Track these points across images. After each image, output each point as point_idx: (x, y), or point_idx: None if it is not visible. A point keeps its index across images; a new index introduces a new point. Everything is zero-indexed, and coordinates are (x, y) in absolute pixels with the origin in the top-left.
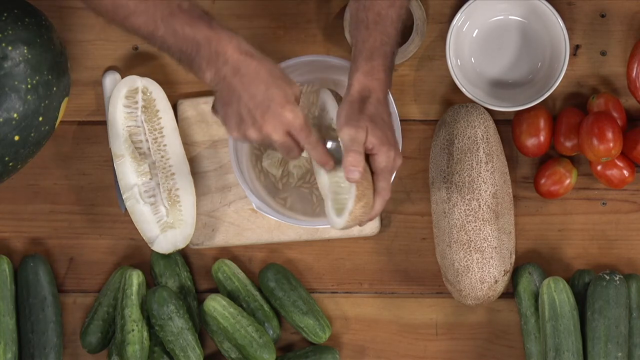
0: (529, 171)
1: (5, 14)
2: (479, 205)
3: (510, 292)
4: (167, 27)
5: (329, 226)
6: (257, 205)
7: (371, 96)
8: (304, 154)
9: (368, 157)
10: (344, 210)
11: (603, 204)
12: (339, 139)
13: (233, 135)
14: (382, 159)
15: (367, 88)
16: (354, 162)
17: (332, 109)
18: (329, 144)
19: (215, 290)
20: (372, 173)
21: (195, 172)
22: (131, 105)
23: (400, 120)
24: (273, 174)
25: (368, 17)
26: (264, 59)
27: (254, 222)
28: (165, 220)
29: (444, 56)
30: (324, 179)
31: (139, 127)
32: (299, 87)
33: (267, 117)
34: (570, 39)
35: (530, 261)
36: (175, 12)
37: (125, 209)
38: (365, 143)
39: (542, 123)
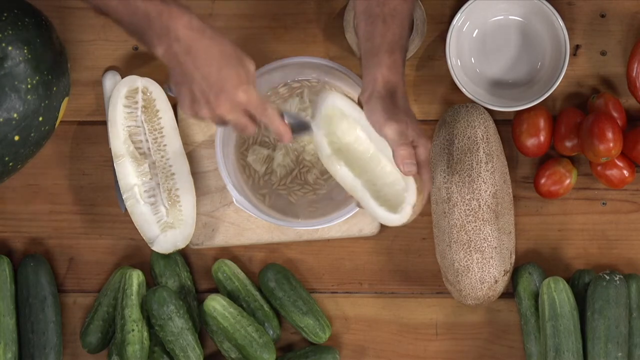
0: (529, 171)
1: (5, 14)
2: (479, 205)
3: (510, 292)
4: None
5: (312, 228)
6: (237, 200)
7: (397, 90)
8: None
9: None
10: (398, 205)
11: (603, 204)
12: (382, 136)
13: (186, 112)
14: (422, 151)
15: (391, 82)
16: (408, 155)
17: (351, 110)
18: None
19: (215, 290)
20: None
21: (195, 172)
22: (131, 105)
23: None
24: (256, 170)
25: (384, 12)
26: (216, 37)
27: (254, 222)
28: (165, 220)
29: (444, 56)
30: (353, 181)
31: (139, 127)
32: (252, 63)
33: (221, 99)
34: (570, 39)
35: (530, 261)
36: None
37: (125, 209)
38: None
39: (542, 123)
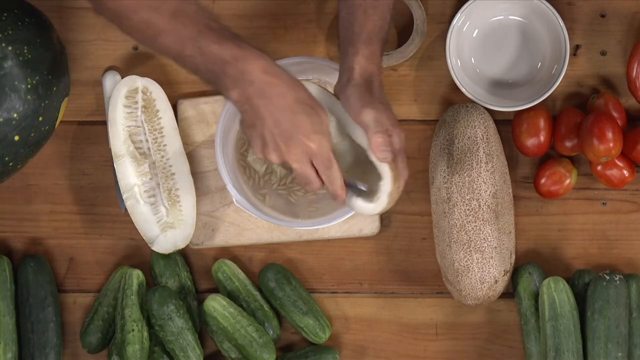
0: (529, 171)
1: (5, 14)
2: (479, 205)
3: (510, 292)
4: (194, 46)
5: (312, 228)
6: (237, 200)
7: (374, 80)
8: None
9: None
10: (376, 196)
11: (603, 204)
12: (358, 123)
13: (257, 156)
14: (397, 140)
15: (368, 72)
16: (384, 142)
17: (324, 98)
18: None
19: (215, 290)
20: None
21: (195, 172)
22: (131, 105)
23: (400, 120)
24: (256, 170)
25: (366, 2)
26: (292, 81)
27: (254, 222)
28: (165, 220)
29: (444, 56)
30: None
31: (139, 127)
32: (327, 114)
33: (291, 146)
34: (570, 39)
35: (530, 261)
36: (204, 31)
37: (125, 209)
38: None
39: (542, 123)
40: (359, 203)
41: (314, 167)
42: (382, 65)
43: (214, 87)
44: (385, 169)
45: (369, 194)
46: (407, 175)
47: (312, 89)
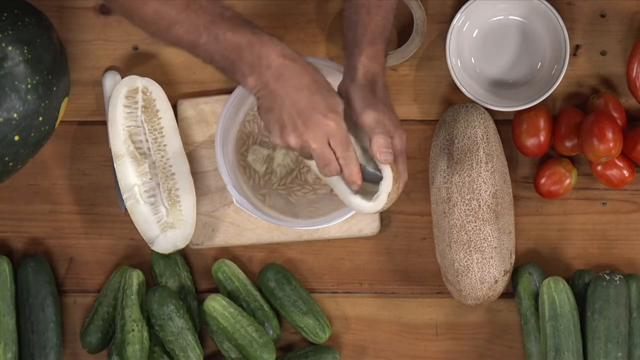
0: (529, 171)
1: (5, 14)
2: (479, 205)
3: (510, 292)
4: (209, 34)
5: (312, 228)
6: (237, 200)
7: (377, 81)
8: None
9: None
10: (375, 195)
11: (603, 204)
12: (360, 124)
13: (275, 141)
14: (398, 141)
15: (372, 72)
16: (385, 143)
17: None
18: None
19: (215, 290)
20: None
21: (195, 172)
22: (131, 105)
23: (400, 120)
24: (256, 170)
25: (369, 2)
26: (308, 65)
27: (254, 222)
28: (165, 220)
29: (444, 56)
30: None
31: (139, 127)
32: (340, 99)
33: (309, 124)
34: (570, 39)
35: (530, 261)
36: (217, 19)
37: (125, 209)
38: None
39: (542, 123)
40: (358, 201)
41: (331, 149)
42: (385, 65)
43: (229, 75)
44: (386, 170)
45: (367, 194)
46: (407, 177)
47: None
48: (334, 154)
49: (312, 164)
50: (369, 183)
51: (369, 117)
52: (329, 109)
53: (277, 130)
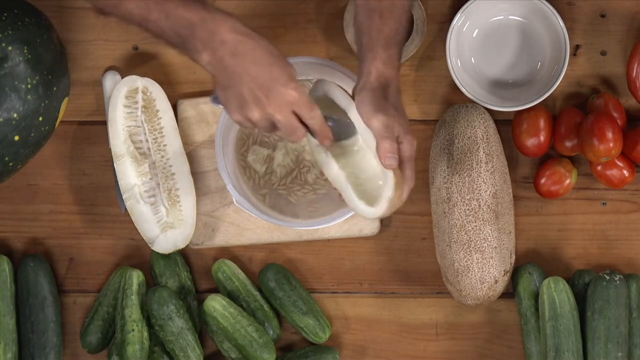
0: (529, 171)
1: (5, 14)
2: (479, 205)
3: (510, 292)
4: (160, 10)
5: (312, 228)
6: (237, 200)
7: (390, 85)
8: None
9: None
10: (377, 199)
11: (603, 204)
12: (369, 127)
13: (234, 118)
14: (407, 147)
15: (385, 77)
16: (391, 149)
17: (341, 99)
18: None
19: (215, 290)
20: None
21: (195, 172)
22: (131, 105)
23: None
24: (256, 170)
25: (382, 6)
26: (261, 39)
27: (254, 222)
28: (165, 220)
29: (444, 56)
30: (338, 172)
31: (139, 127)
32: (294, 66)
33: (272, 97)
34: (570, 39)
35: (530, 261)
36: None
37: (125, 209)
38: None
39: (542, 123)
40: (360, 205)
41: (296, 116)
42: (400, 69)
43: (182, 51)
44: (389, 175)
45: (372, 200)
46: (413, 184)
47: (331, 88)
48: (302, 120)
49: (328, 166)
50: (343, 140)
51: (377, 122)
52: (289, 78)
53: (236, 106)
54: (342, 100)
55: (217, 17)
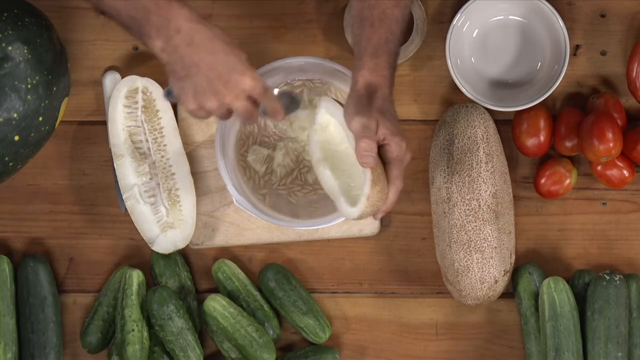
0: (529, 171)
1: (5, 14)
2: (479, 205)
3: (510, 292)
4: None
5: (312, 228)
6: (237, 200)
7: (378, 91)
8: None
9: (380, 149)
10: (358, 199)
11: (603, 204)
12: (350, 131)
13: (189, 108)
14: (394, 148)
15: (373, 84)
16: (367, 147)
17: (338, 113)
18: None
19: (215, 290)
20: (384, 164)
21: (195, 172)
22: (131, 105)
23: (400, 120)
24: (256, 170)
25: (373, 15)
26: (215, 27)
27: (254, 222)
28: (165, 220)
29: (444, 56)
30: (332, 182)
31: (139, 127)
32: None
33: (230, 86)
34: (570, 39)
35: (530, 261)
36: None
37: (125, 209)
38: (377, 134)
39: (542, 123)
40: (343, 206)
41: (251, 101)
42: (394, 78)
43: (134, 34)
44: (366, 173)
45: (356, 199)
46: (401, 185)
47: (329, 104)
48: (257, 103)
49: (324, 175)
50: (294, 111)
51: (355, 123)
52: (245, 67)
53: (192, 95)
54: (339, 115)
55: (173, 5)
